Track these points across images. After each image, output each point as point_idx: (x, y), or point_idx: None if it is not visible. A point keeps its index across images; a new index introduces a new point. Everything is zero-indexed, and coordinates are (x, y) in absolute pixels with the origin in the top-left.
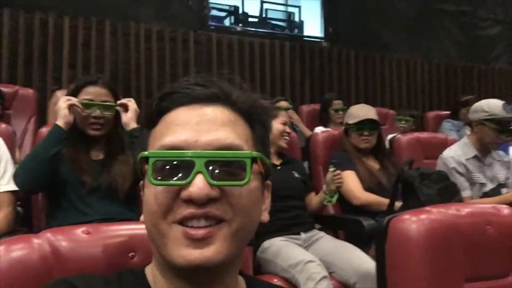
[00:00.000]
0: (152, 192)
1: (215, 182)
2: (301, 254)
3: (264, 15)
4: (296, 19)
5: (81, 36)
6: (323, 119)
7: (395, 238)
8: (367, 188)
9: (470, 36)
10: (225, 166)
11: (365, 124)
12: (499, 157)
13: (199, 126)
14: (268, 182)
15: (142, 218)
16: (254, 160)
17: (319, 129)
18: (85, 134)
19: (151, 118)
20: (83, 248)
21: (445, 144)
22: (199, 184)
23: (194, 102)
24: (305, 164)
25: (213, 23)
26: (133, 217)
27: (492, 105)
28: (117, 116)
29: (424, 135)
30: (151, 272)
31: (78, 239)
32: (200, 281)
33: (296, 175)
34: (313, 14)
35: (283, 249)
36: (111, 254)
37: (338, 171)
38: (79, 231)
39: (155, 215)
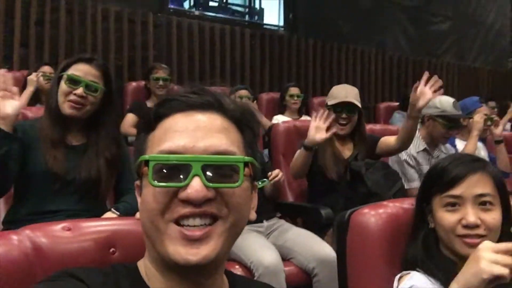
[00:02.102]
0: (151, 192)
1: (211, 184)
2: (257, 243)
3: (224, 0)
4: (257, 6)
5: (34, 13)
6: (280, 107)
7: (355, 230)
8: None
9: (422, 30)
10: (220, 169)
11: (344, 107)
12: (446, 150)
13: (196, 133)
14: (255, 183)
15: (137, 215)
16: (245, 164)
17: (277, 118)
18: (62, 114)
19: (149, 123)
20: (64, 244)
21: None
22: (196, 186)
23: (190, 109)
24: (265, 152)
25: (172, 6)
26: (99, 214)
27: (444, 102)
28: (104, 101)
29: (377, 127)
30: (144, 266)
31: (59, 236)
32: (193, 275)
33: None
34: (272, 2)
35: (241, 238)
36: (92, 250)
37: (276, 171)
38: (59, 227)
39: (153, 212)
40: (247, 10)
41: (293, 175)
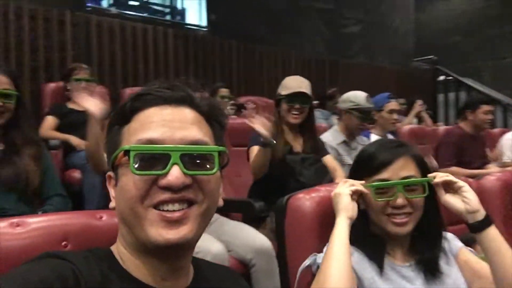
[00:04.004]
0: (131, 180)
1: (189, 172)
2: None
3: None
4: (178, 6)
5: None
6: None
7: (292, 214)
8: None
9: (335, 33)
10: (196, 158)
11: (297, 97)
12: (362, 142)
13: (173, 123)
14: (222, 172)
15: (111, 204)
16: (219, 153)
17: None
18: None
19: (124, 116)
20: (14, 241)
21: (318, 131)
22: (176, 174)
23: (164, 103)
24: None
25: (90, 4)
26: (28, 211)
27: (358, 96)
28: (18, 105)
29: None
30: (118, 251)
31: (7, 232)
32: (168, 257)
33: None
34: (194, 3)
35: None
36: (44, 244)
37: None
38: (7, 224)
39: (133, 199)
40: (168, 10)
41: (255, 174)
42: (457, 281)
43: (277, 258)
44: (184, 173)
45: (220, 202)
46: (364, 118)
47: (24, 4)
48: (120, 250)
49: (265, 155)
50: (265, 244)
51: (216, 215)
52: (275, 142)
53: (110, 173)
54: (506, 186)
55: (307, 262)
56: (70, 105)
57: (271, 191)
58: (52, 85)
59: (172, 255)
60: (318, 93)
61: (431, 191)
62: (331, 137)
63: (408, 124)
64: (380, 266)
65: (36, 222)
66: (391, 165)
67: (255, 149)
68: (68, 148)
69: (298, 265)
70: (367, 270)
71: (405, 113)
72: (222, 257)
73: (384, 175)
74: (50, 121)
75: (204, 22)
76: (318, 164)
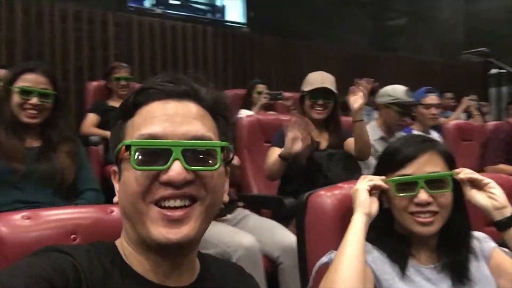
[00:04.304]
0: (133, 175)
1: (190, 167)
2: (230, 229)
3: None
4: (218, 3)
5: None
6: (247, 102)
7: (313, 211)
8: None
9: (378, 26)
10: (198, 154)
11: (320, 93)
12: None
13: (175, 118)
14: (228, 168)
15: (115, 199)
16: (222, 149)
17: (244, 112)
18: (19, 121)
19: (127, 110)
20: (24, 233)
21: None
22: (177, 169)
23: (167, 97)
24: None
25: (133, 5)
26: (63, 205)
27: (397, 90)
28: (56, 104)
29: (344, 119)
30: (121, 246)
31: (19, 225)
32: (171, 255)
33: None
34: (233, 0)
35: (211, 228)
36: (53, 238)
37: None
38: (19, 216)
39: (134, 195)
40: (209, 8)
41: (268, 178)
42: (487, 286)
43: (298, 255)
44: (186, 169)
45: (225, 198)
46: (403, 113)
47: (68, 6)
48: (124, 245)
49: (280, 166)
50: (293, 242)
51: (245, 211)
52: (292, 157)
53: (114, 168)
54: None
55: (324, 259)
56: (111, 103)
57: (301, 187)
58: (94, 83)
59: (174, 253)
60: None
61: (458, 188)
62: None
63: (454, 120)
64: (402, 267)
65: (47, 216)
66: (416, 159)
67: (275, 151)
68: (108, 144)
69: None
70: (387, 270)
71: (454, 108)
72: (254, 250)
73: (408, 170)
74: (91, 118)
75: (243, 19)
76: (346, 160)
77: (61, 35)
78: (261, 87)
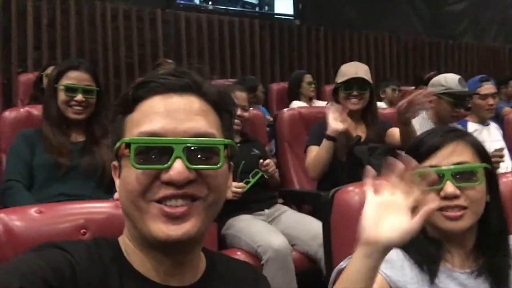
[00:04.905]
0: (133, 174)
1: (192, 166)
2: (262, 227)
3: None
4: None
5: (45, 16)
6: (293, 95)
7: (339, 208)
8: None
9: (437, 12)
10: (201, 152)
11: (354, 83)
12: None
13: (176, 115)
14: (231, 163)
15: (116, 195)
16: (226, 146)
17: (296, 104)
18: (65, 117)
19: (126, 105)
20: (36, 227)
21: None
22: (178, 168)
23: (168, 92)
24: (272, 144)
25: (181, 1)
26: (106, 198)
27: (449, 80)
28: (98, 100)
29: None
30: (123, 243)
31: (31, 218)
32: (172, 252)
33: (255, 151)
34: None
35: (246, 225)
36: (64, 232)
37: (267, 161)
38: (32, 210)
39: (134, 193)
40: (257, 1)
41: (311, 175)
42: None
43: (324, 255)
44: (188, 168)
45: (229, 194)
46: (456, 104)
47: (119, 5)
48: (125, 242)
49: (328, 148)
50: None
51: (283, 207)
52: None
53: (115, 163)
54: None
55: (343, 264)
56: None
57: (341, 182)
58: None
59: (176, 250)
60: (415, 77)
61: (492, 183)
62: (417, 125)
63: None
64: (432, 274)
65: (59, 210)
66: (440, 150)
67: (313, 149)
68: None
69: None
70: (412, 281)
71: None
72: (284, 252)
73: (433, 161)
74: None
75: (290, 11)
76: (388, 154)
77: (112, 33)
78: (308, 77)
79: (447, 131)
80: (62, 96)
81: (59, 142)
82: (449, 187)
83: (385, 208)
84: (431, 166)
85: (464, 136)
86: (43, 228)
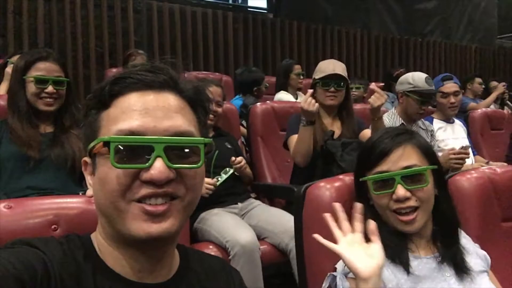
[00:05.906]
0: (113, 173)
1: (173, 165)
2: (232, 222)
3: None
4: None
5: (11, 3)
6: (280, 85)
7: (311, 203)
8: (319, 148)
9: (408, 9)
10: (180, 150)
11: (332, 80)
12: (424, 126)
13: (155, 113)
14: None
15: (89, 192)
16: (205, 145)
17: (281, 96)
18: (35, 109)
19: (102, 100)
20: (4, 222)
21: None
22: (160, 168)
23: (145, 88)
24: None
25: None
26: (77, 191)
27: (416, 78)
28: (68, 91)
29: (364, 106)
30: (96, 240)
31: (0, 214)
32: (149, 249)
33: (229, 146)
34: None
35: (217, 219)
36: (34, 227)
37: (239, 158)
38: (1, 206)
39: (114, 193)
40: None
41: (299, 162)
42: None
43: (295, 249)
44: (168, 167)
45: (203, 190)
46: (423, 101)
47: None
48: (99, 240)
49: (309, 135)
50: None
51: (255, 202)
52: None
53: (87, 159)
54: (483, 184)
55: (325, 284)
56: None
57: (314, 177)
58: (114, 70)
59: (152, 247)
60: (384, 74)
61: (440, 180)
62: (387, 120)
63: (484, 108)
64: (405, 262)
65: (29, 205)
66: (389, 155)
67: (294, 138)
68: None
69: (315, 260)
70: (390, 278)
71: (483, 96)
72: (251, 247)
73: (383, 166)
74: None
75: (264, 5)
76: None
77: (82, 22)
78: (298, 68)
79: (396, 135)
80: (32, 88)
81: (28, 135)
82: (400, 190)
83: (352, 245)
84: (382, 172)
85: (411, 139)
86: (12, 224)
